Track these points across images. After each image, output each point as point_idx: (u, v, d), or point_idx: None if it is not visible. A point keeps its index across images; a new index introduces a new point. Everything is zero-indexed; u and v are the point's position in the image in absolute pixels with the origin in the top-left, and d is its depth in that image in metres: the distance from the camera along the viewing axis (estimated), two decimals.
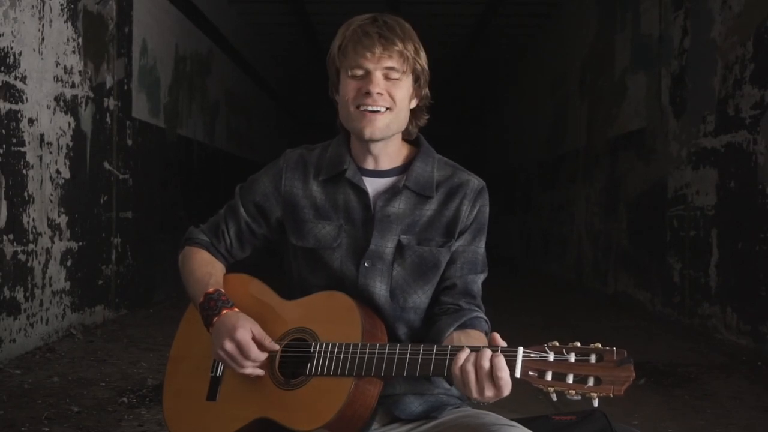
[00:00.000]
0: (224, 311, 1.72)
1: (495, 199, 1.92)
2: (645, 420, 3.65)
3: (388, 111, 1.72)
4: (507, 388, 1.48)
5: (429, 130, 1.89)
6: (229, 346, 1.66)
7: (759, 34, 5.32)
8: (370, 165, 1.81)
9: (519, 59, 13.78)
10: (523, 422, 1.68)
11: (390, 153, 1.80)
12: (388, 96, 1.71)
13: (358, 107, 1.72)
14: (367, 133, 1.72)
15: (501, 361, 1.47)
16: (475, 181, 1.83)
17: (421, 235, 1.78)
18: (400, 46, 1.70)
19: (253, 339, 1.68)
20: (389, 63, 1.71)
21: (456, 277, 1.79)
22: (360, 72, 1.71)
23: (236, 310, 1.73)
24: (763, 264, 5.20)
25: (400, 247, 1.77)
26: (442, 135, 9.42)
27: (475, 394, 1.50)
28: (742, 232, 5.50)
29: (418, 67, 1.75)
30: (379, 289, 1.76)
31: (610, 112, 8.34)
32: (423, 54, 1.76)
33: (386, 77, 1.71)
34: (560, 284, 9.78)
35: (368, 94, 1.70)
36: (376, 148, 1.78)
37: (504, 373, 1.47)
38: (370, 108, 1.70)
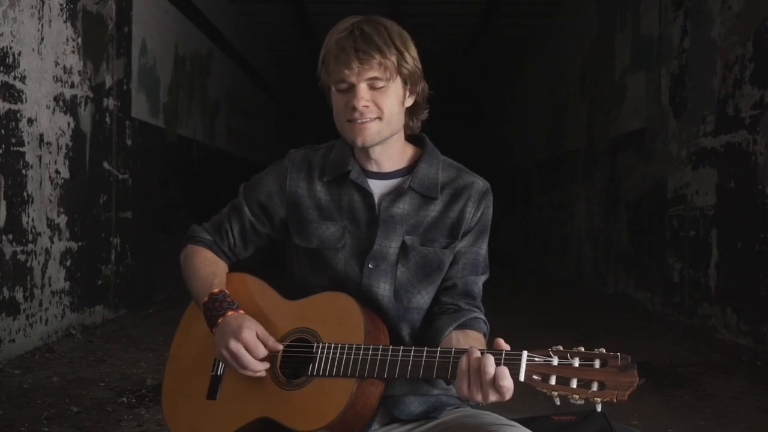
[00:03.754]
0: (229, 312, 1.71)
1: (495, 199, 1.91)
2: (645, 420, 3.64)
3: (377, 120, 1.71)
4: (509, 394, 1.48)
5: (429, 129, 1.89)
6: (233, 345, 1.65)
7: (759, 34, 5.32)
8: (373, 168, 1.81)
9: (519, 59, 13.78)
10: (523, 422, 1.68)
11: (392, 155, 1.80)
12: (375, 106, 1.70)
13: (348, 121, 1.72)
14: (359, 142, 1.73)
15: (504, 369, 1.47)
16: (480, 183, 1.83)
17: (425, 236, 1.78)
18: (378, 58, 1.68)
19: (257, 339, 1.67)
20: (371, 74, 1.69)
21: (457, 278, 1.79)
22: (344, 86, 1.71)
23: (241, 312, 1.73)
24: (763, 264, 5.20)
25: (404, 248, 1.77)
26: (442, 135, 9.42)
27: (477, 398, 1.50)
28: (742, 232, 5.50)
29: (404, 70, 1.72)
30: (383, 289, 1.76)
31: (610, 112, 8.34)
32: (410, 53, 1.73)
33: (371, 87, 1.70)
34: (560, 284, 9.78)
35: (354, 108, 1.69)
36: (374, 152, 1.78)
37: (507, 381, 1.47)
38: (358, 121, 1.70)
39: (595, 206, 8.91)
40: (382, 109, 1.71)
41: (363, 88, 1.69)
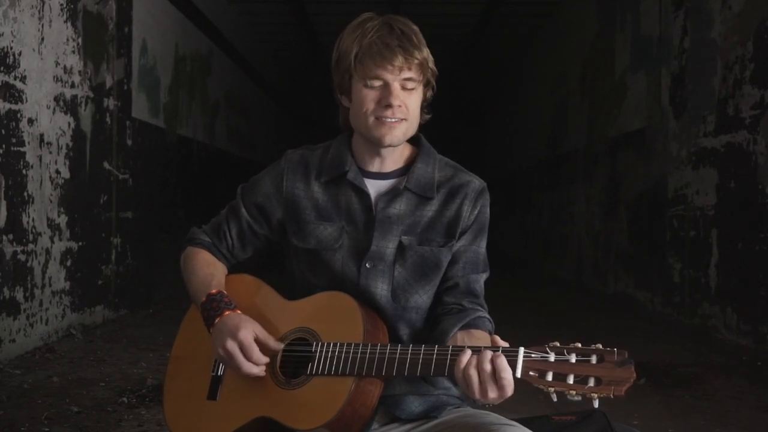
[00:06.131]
0: (226, 312, 1.72)
1: (495, 199, 1.93)
2: (645, 420, 3.65)
3: (404, 121, 1.73)
4: (510, 388, 1.48)
5: (429, 129, 1.89)
6: (230, 345, 1.66)
7: (759, 34, 5.32)
8: (374, 167, 1.81)
9: (519, 59, 13.79)
10: (523, 422, 1.69)
11: (395, 155, 1.81)
12: (405, 107, 1.72)
13: (377, 118, 1.72)
14: (387, 141, 1.73)
15: (503, 361, 1.48)
16: (476, 182, 1.83)
17: (422, 235, 1.78)
18: (419, 58, 1.71)
19: (256, 340, 1.68)
20: (408, 74, 1.71)
21: (458, 277, 1.80)
22: (378, 83, 1.71)
23: (238, 311, 1.73)
24: (763, 264, 5.20)
25: (401, 248, 1.77)
26: (442, 135, 9.43)
27: (478, 395, 1.50)
28: (742, 232, 5.50)
29: (430, 73, 1.76)
30: (380, 289, 1.76)
31: (610, 112, 8.34)
32: (431, 56, 1.77)
33: (403, 87, 1.72)
34: (560, 284, 9.78)
35: (389, 106, 1.70)
36: (386, 150, 1.78)
37: (507, 373, 1.47)
38: (389, 119, 1.71)
39: (595, 206, 8.91)
40: (409, 110, 1.73)
41: (397, 87, 1.71)
